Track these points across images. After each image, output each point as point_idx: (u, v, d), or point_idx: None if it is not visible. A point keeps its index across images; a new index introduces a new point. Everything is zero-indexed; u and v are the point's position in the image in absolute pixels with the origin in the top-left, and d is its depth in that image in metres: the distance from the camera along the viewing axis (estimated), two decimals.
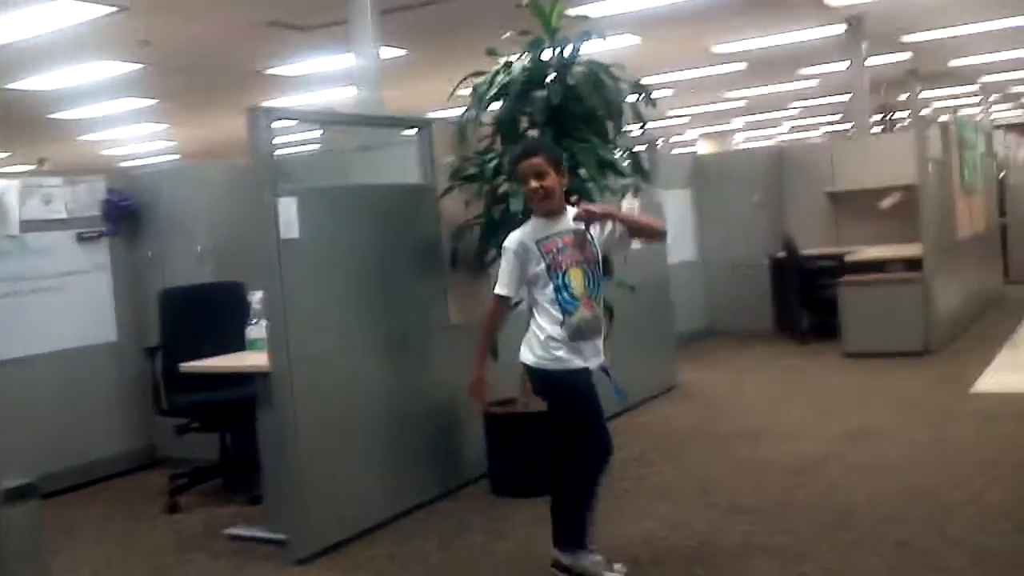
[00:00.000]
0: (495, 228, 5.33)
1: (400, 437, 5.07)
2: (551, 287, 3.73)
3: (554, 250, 3.75)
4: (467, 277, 5.53)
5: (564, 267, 3.73)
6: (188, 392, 5.40)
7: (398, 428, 5.06)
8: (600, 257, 3.83)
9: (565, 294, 3.71)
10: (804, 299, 9.88)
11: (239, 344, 5.19)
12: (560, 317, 3.72)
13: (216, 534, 4.97)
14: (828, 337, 9.28)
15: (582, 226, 3.78)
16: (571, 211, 3.86)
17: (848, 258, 9.24)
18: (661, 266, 7.87)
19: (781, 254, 10.00)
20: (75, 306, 6.18)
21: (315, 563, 4.43)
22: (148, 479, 6.20)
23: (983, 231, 10.88)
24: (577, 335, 3.72)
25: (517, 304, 4.07)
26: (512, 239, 3.84)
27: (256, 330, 5.06)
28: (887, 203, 9.77)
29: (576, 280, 3.73)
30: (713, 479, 5.28)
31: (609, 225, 3.82)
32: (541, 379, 3.84)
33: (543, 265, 3.75)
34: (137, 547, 4.91)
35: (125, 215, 6.38)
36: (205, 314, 5.66)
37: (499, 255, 5.35)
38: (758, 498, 4.88)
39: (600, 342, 3.83)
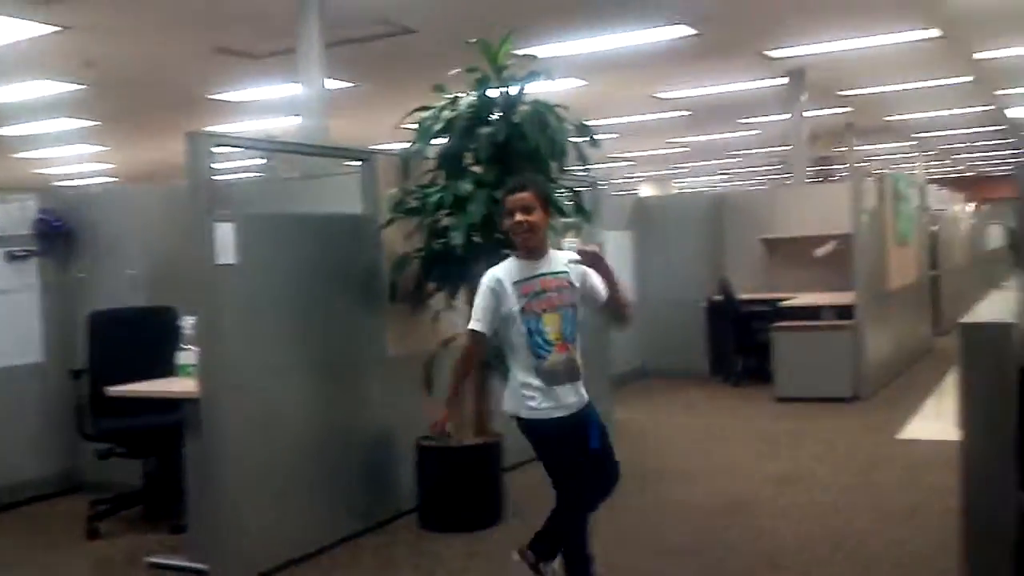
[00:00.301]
0: (435, 261, 5.34)
1: (330, 469, 5.01)
2: (524, 329, 3.66)
3: (531, 293, 3.67)
4: (406, 309, 5.51)
5: (539, 311, 3.66)
6: (113, 416, 5.29)
7: (328, 459, 5.00)
8: (577, 301, 3.75)
9: (538, 338, 3.65)
10: (738, 343, 10.00)
11: (168, 370, 5.10)
12: (534, 362, 3.65)
13: (137, 562, 4.85)
14: (761, 381, 9.40)
15: (565, 269, 3.72)
16: (555, 252, 3.81)
17: (782, 304, 9.37)
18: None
19: (718, 297, 10.12)
20: (1, 325, 6.03)
21: None
22: (69, 504, 6.02)
23: (914, 283, 11.12)
24: (552, 380, 3.66)
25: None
26: (490, 275, 3.76)
27: (186, 356, 4.98)
28: (822, 251, 9.95)
29: (550, 325, 3.67)
30: (644, 519, 5.28)
31: (598, 280, 3.75)
32: (520, 427, 3.79)
33: (517, 307, 3.67)
34: (55, 574, 4.77)
35: (57, 235, 6.26)
36: (135, 338, 5.56)
37: (439, 289, 5.41)
38: (688, 538, 4.90)
39: (580, 384, 3.75)
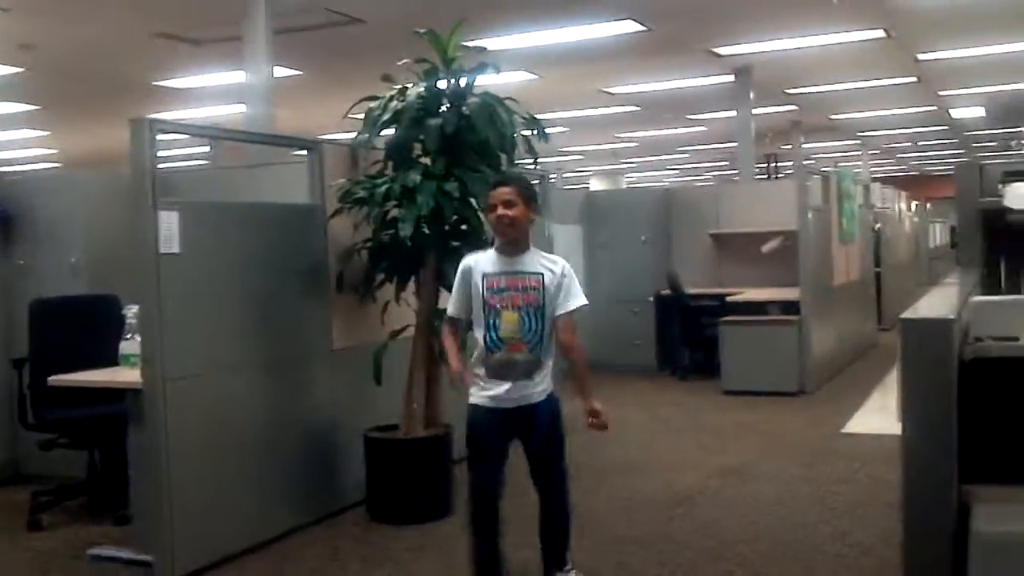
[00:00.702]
0: (383, 253, 5.32)
1: (276, 460, 4.97)
2: (482, 323, 3.72)
3: (494, 287, 3.71)
4: (353, 301, 5.48)
5: (499, 308, 3.69)
6: (56, 407, 5.20)
7: (274, 451, 4.96)
8: (544, 302, 3.74)
9: (492, 333, 3.69)
10: (686, 337, 10.09)
11: (112, 359, 5.03)
12: (484, 354, 3.72)
13: (80, 555, 4.77)
14: (708, 375, 9.50)
15: (540, 270, 3.74)
16: (537, 252, 3.82)
17: (730, 299, 9.47)
18: None
19: (666, 292, 10.19)
20: None
21: None
22: (9, 495, 5.91)
23: (859, 279, 11.29)
24: (496, 374, 3.70)
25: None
26: (465, 260, 3.85)
27: (130, 345, 4.91)
28: (768, 247, 10.06)
29: (507, 323, 3.69)
30: (590, 510, 5.30)
31: (572, 298, 3.76)
32: None
33: (480, 300, 3.73)
34: None
35: None
36: (77, 327, 5.47)
37: (386, 280, 5.39)
38: (634, 530, 4.93)
39: (531, 384, 3.73)
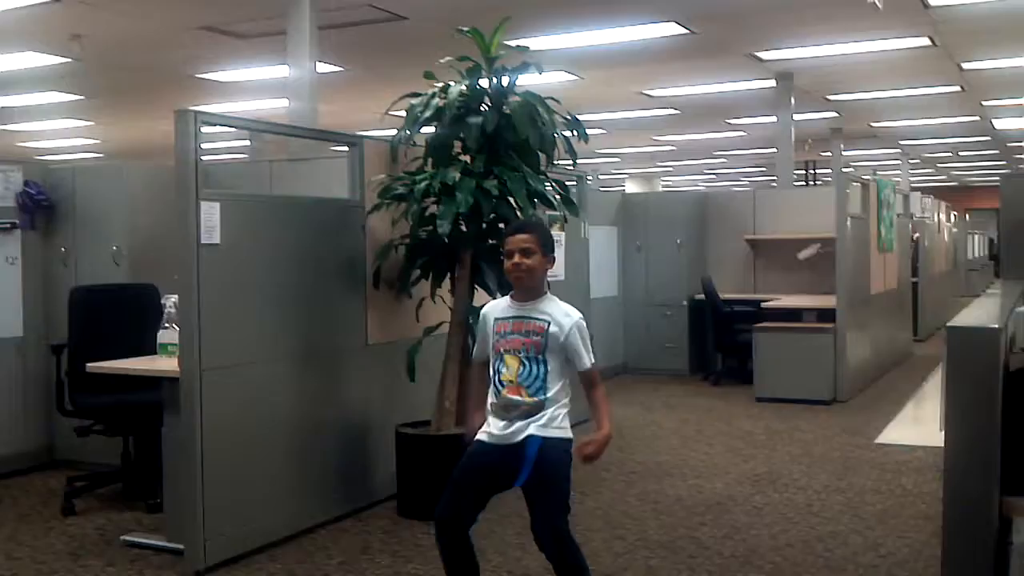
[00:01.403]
0: (420, 249, 5.34)
1: (309, 453, 5.00)
2: (492, 364, 3.73)
3: (502, 331, 3.71)
4: (389, 297, 5.50)
5: (501, 351, 3.69)
6: (93, 393, 5.26)
7: (307, 444, 4.99)
8: (547, 348, 3.65)
9: (496, 376, 3.68)
10: (719, 342, 10.04)
11: (149, 348, 5.08)
12: (491, 396, 3.71)
13: (112, 541, 4.83)
14: (741, 381, 9.46)
15: (546, 317, 3.69)
16: (551, 299, 3.77)
17: (764, 305, 9.41)
18: (584, 300, 7.92)
19: (700, 296, 10.15)
20: None
21: (213, 575, 4.33)
22: (44, 480, 6.01)
23: (895, 289, 11.19)
24: (498, 414, 3.68)
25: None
26: (485, 307, 3.88)
27: (168, 334, 4.96)
28: (805, 254, 10.00)
29: (508, 366, 3.66)
30: (620, 513, 5.30)
31: (580, 344, 3.69)
32: None
33: (491, 342, 3.75)
34: (27, 550, 4.74)
35: (41, 208, 6.22)
36: (116, 315, 5.53)
37: (422, 276, 5.41)
38: (663, 534, 4.91)
39: (530, 424, 3.62)
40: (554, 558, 3.67)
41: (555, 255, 3.88)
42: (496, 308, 3.81)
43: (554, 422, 3.64)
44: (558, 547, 3.61)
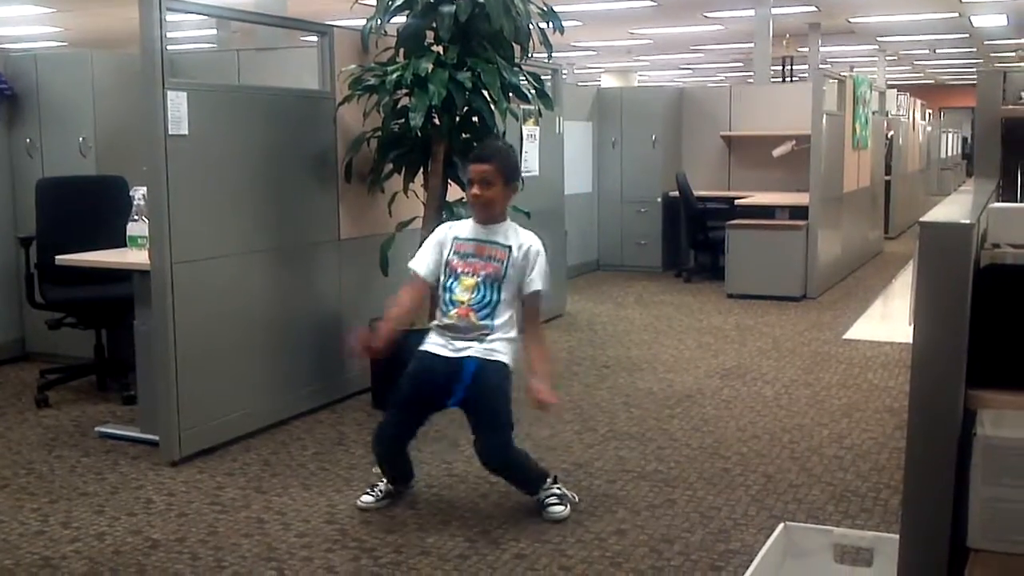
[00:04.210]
0: (393, 143, 5.27)
1: (282, 346, 5.02)
2: (443, 282, 3.77)
3: (461, 251, 3.75)
4: (360, 191, 5.46)
5: (458, 272, 3.73)
6: (64, 286, 5.23)
7: (280, 337, 5.00)
8: (505, 276, 3.71)
9: (447, 295, 3.73)
10: (692, 239, 10.08)
11: (118, 240, 5.04)
12: (440, 312, 3.76)
13: (87, 432, 4.86)
14: (713, 278, 9.54)
15: (509, 244, 3.72)
16: (510, 225, 3.81)
17: (738, 202, 9.43)
18: (557, 196, 7.90)
19: (674, 194, 10.14)
20: None
21: (188, 465, 4.38)
22: (17, 372, 6.01)
23: (868, 187, 11.22)
24: (445, 331, 3.73)
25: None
26: (443, 225, 3.91)
27: (137, 227, 4.91)
28: (780, 151, 9.98)
29: (462, 288, 3.70)
30: (591, 405, 5.38)
31: (538, 274, 3.73)
32: None
33: (445, 260, 3.77)
34: (2, 441, 4.76)
35: (4, 98, 6.07)
36: (84, 207, 5.46)
37: (395, 170, 5.36)
38: (633, 426, 5.00)
39: (474, 345, 3.68)
40: (500, 474, 3.84)
41: (518, 183, 3.92)
42: (458, 227, 3.84)
43: (494, 347, 3.71)
44: (502, 465, 3.77)
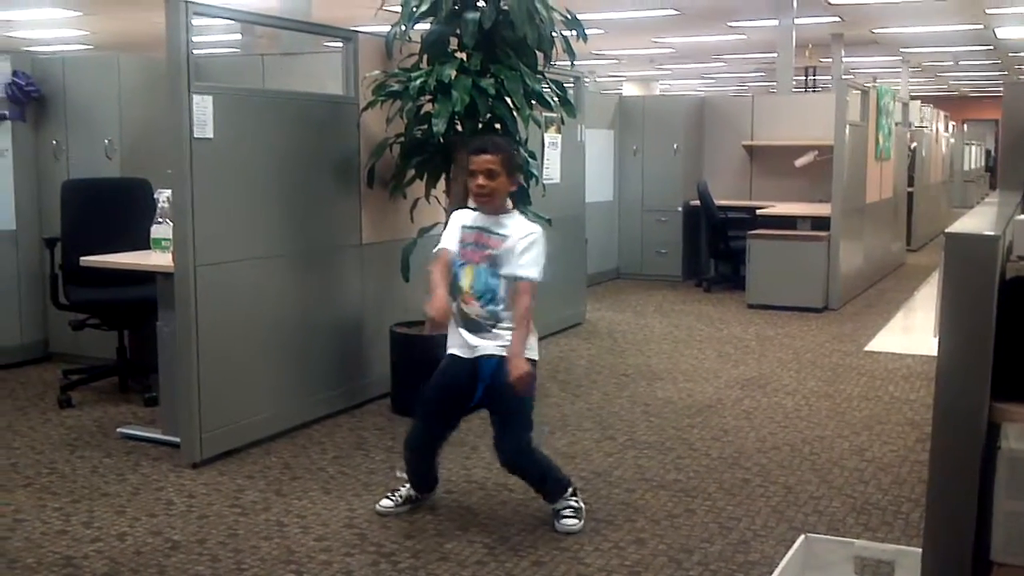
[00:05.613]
0: (415, 148, 5.28)
1: (303, 350, 5.03)
2: (454, 271, 3.77)
3: (464, 240, 3.78)
4: (383, 196, 5.47)
5: (462, 260, 3.75)
6: (88, 287, 5.27)
7: (302, 341, 5.02)
8: (502, 265, 3.70)
9: (456, 283, 3.75)
10: (713, 248, 10.06)
11: (142, 243, 5.07)
12: (452, 296, 3.75)
13: (109, 433, 4.89)
14: (733, 288, 9.51)
15: (507, 233, 3.72)
16: (514, 217, 3.81)
17: (759, 212, 9.40)
18: (579, 204, 7.90)
19: (695, 202, 10.12)
20: None
21: (209, 467, 4.40)
22: (40, 373, 6.05)
23: (891, 198, 11.17)
24: (456, 321, 3.74)
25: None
26: (457, 212, 3.92)
27: (161, 229, 4.94)
28: (802, 161, 9.94)
29: (466, 276, 3.73)
30: (610, 414, 5.37)
31: (528, 258, 3.68)
32: None
33: (455, 249, 3.79)
34: (25, 440, 4.80)
35: (31, 100, 6.13)
36: (109, 209, 5.51)
37: (417, 176, 5.37)
38: (653, 435, 4.98)
39: (484, 338, 3.68)
40: (518, 474, 3.83)
41: (520, 176, 3.92)
42: (465, 216, 3.86)
43: (508, 340, 3.68)
44: (520, 464, 3.76)
